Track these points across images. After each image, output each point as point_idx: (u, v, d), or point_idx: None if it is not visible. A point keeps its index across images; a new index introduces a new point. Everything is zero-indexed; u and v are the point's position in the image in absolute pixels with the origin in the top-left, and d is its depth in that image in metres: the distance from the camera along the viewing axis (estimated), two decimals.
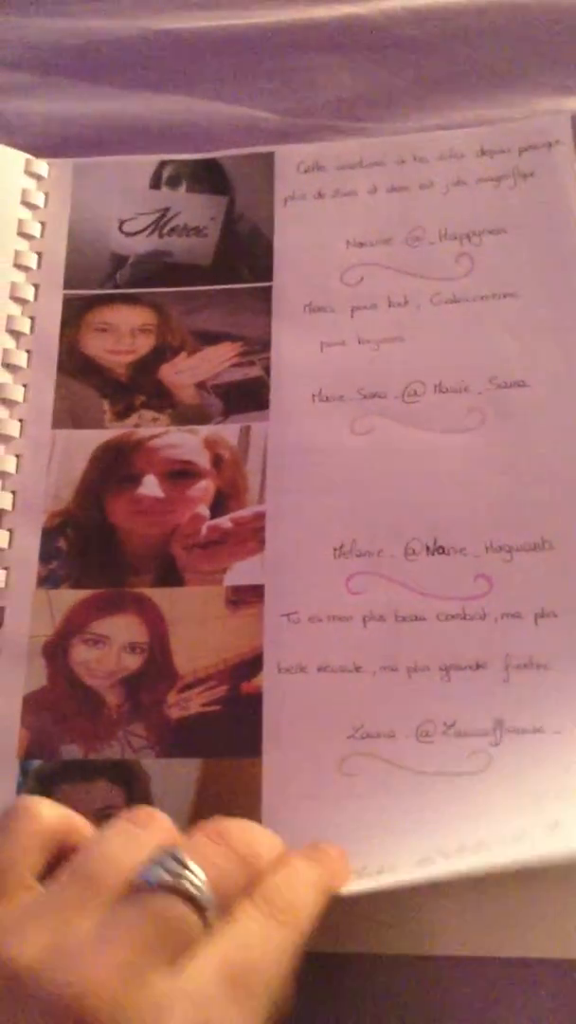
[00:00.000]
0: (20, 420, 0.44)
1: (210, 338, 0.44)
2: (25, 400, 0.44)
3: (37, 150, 0.49)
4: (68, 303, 0.46)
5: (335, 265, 0.45)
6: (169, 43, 0.52)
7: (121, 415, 0.43)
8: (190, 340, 0.45)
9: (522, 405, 0.41)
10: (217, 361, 0.44)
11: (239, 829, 0.29)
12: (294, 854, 0.30)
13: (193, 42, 0.52)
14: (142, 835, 0.28)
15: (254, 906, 0.27)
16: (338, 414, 0.42)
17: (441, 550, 0.39)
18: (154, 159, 0.49)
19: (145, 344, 0.45)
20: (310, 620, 0.39)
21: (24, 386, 0.44)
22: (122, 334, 0.45)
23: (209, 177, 0.48)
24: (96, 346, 0.45)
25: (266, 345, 0.44)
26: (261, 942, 0.27)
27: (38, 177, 0.48)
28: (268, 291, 0.45)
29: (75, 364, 0.45)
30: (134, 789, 0.36)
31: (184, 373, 0.44)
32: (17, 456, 0.43)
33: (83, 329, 0.45)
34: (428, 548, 0.39)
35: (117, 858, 0.27)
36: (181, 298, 0.46)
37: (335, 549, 0.40)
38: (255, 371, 0.44)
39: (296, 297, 0.45)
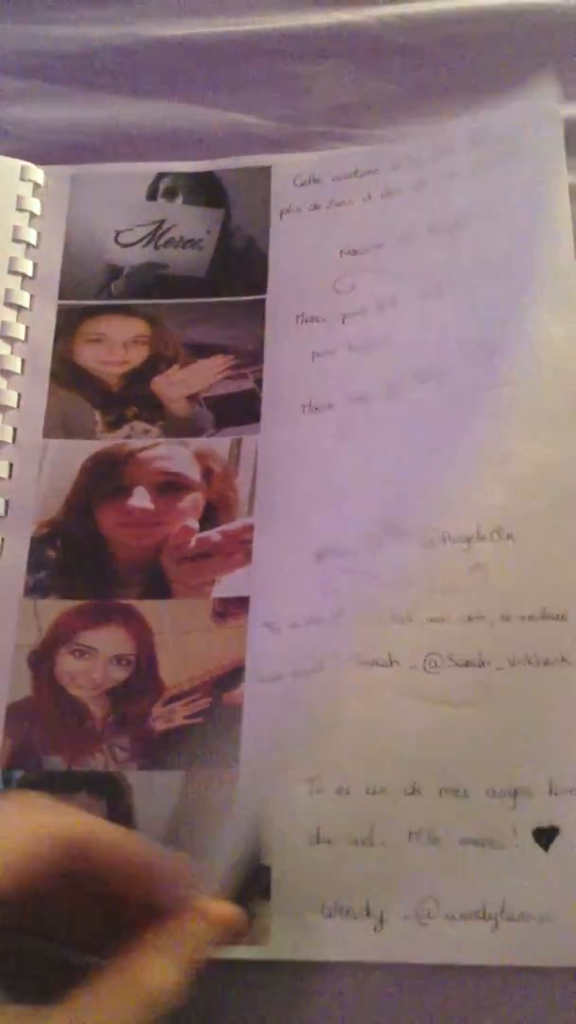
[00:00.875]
0: (13, 427, 0.44)
1: (203, 351, 0.45)
2: (19, 407, 0.44)
3: (34, 157, 0.49)
4: (62, 313, 0.46)
5: (328, 275, 0.45)
6: (165, 50, 0.52)
7: (112, 426, 0.44)
8: (183, 352, 0.45)
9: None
10: (210, 374, 0.44)
11: None
12: None
13: (189, 49, 0.52)
14: None
15: None
16: (325, 422, 0.42)
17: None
18: (151, 170, 0.49)
19: (138, 355, 0.45)
20: (290, 627, 0.39)
21: (18, 393, 0.44)
22: (115, 345, 0.45)
23: (206, 190, 0.48)
24: (89, 356, 0.45)
25: (258, 358, 0.44)
26: None
27: (35, 184, 0.48)
28: (262, 304, 0.45)
29: (68, 374, 0.45)
30: (116, 801, 0.37)
31: (177, 385, 0.44)
32: (9, 463, 0.43)
33: (76, 339, 0.45)
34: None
35: None
36: (175, 310, 0.46)
37: (316, 553, 0.40)
38: (247, 384, 0.44)
39: (289, 308, 0.45)
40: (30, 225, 0.48)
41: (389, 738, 0.37)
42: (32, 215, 0.48)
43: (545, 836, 0.35)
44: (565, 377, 0.41)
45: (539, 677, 0.37)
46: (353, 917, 0.35)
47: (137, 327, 0.45)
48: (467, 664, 0.38)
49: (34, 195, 0.48)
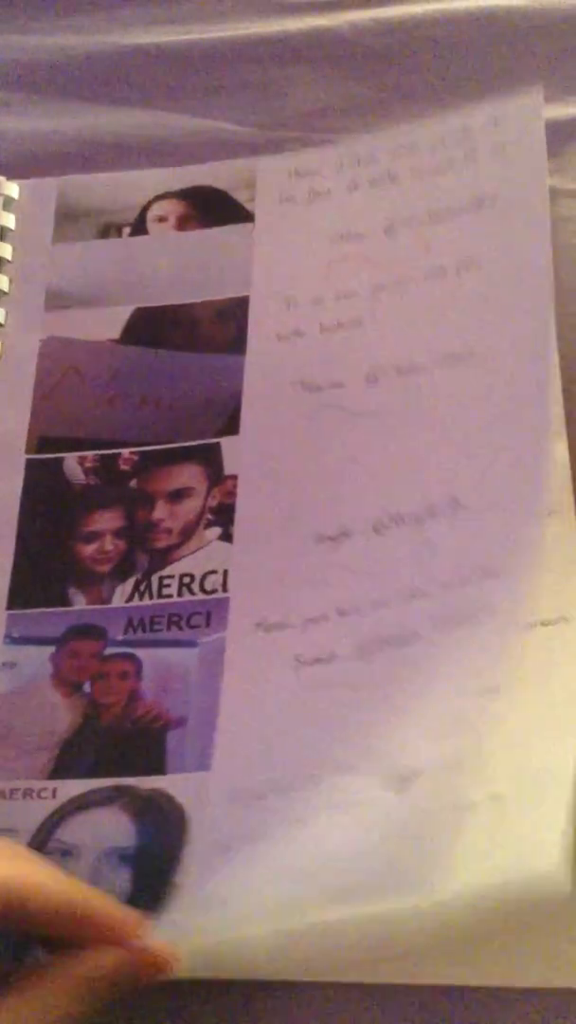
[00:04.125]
0: None
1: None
2: None
3: (11, 167, 0.49)
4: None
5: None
6: (141, 58, 0.51)
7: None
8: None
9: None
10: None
11: None
12: None
13: (166, 57, 0.51)
14: None
15: None
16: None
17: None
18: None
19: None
20: None
21: None
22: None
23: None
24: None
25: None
26: None
27: (7, 199, 0.48)
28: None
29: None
30: None
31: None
32: None
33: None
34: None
35: None
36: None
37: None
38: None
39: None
40: (3, 240, 0.47)
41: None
42: (5, 229, 0.48)
43: None
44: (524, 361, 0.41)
45: None
46: None
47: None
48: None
49: (7, 209, 0.48)
